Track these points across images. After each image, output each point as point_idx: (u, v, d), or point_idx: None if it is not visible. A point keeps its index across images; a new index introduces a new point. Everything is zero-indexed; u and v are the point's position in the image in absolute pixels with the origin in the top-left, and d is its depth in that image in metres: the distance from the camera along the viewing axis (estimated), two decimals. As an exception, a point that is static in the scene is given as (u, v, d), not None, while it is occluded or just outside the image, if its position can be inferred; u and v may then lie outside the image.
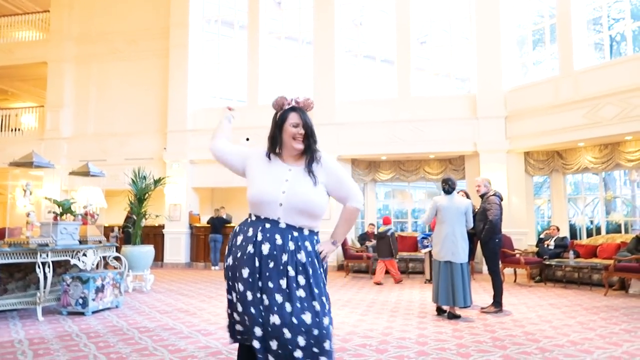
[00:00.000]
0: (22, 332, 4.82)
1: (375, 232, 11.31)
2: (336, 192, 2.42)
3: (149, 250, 8.22)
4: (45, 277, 5.50)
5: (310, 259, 2.28)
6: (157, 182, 8.70)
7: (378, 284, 8.74)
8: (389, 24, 12.37)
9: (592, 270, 8.20)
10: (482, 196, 6.25)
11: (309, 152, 2.39)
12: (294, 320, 2.15)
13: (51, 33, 13.75)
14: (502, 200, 6.20)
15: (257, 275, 2.23)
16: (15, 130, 14.02)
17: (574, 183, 13.12)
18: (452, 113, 11.12)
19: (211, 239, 11.52)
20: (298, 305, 2.18)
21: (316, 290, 2.23)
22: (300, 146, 2.37)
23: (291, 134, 2.37)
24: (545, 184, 14.83)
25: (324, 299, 2.25)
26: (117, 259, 6.88)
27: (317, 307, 2.19)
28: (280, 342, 2.14)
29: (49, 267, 5.54)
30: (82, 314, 5.69)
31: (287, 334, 2.14)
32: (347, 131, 11.49)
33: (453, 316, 5.39)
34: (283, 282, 2.21)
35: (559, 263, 8.61)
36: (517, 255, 8.81)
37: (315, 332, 2.15)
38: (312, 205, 2.32)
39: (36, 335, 4.67)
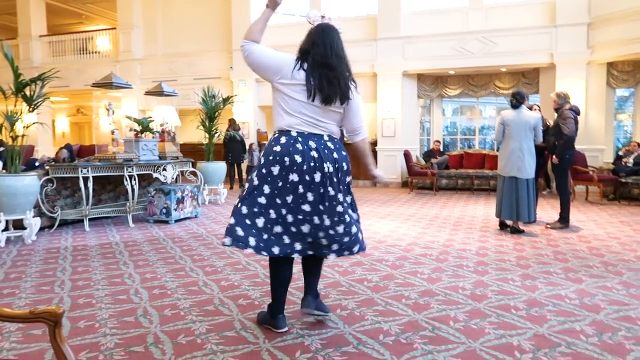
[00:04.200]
0: (117, 236, 5.45)
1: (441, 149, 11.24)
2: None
3: (221, 166, 8.72)
4: (133, 189, 6.08)
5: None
6: (225, 100, 9.00)
7: None
8: None
9: (673, 189, 7.77)
10: (556, 110, 5.97)
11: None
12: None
13: (117, -48, 13.86)
14: (578, 114, 5.91)
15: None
16: (93, 52, 14.72)
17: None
18: (528, 21, 10.35)
19: (278, 155, 11.90)
20: None
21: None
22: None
23: None
24: (631, 98, 13.72)
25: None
26: (193, 173, 7.39)
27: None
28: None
29: (134, 179, 6.09)
30: (166, 222, 6.29)
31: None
32: (413, 45, 11.07)
33: (516, 231, 5.42)
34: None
35: (636, 180, 8.21)
36: (590, 173, 8.47)
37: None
38: None
39: (129, 238, 5.28)
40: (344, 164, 2.49)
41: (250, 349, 2.38)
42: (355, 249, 2.57)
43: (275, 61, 2.46)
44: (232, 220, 2.43)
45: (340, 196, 2.47)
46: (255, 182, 2.45)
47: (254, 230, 2.40)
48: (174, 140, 7.51)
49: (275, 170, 2.40)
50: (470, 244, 4.88)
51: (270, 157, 2.42)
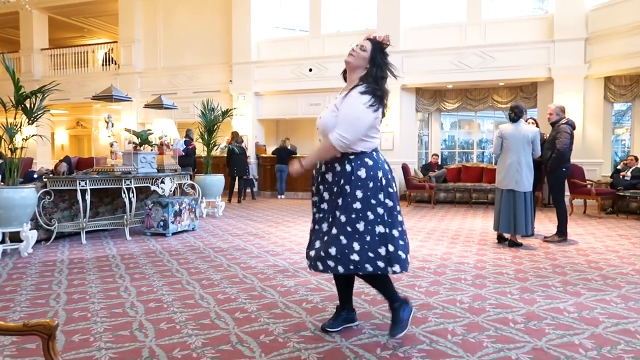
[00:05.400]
0: (114, 249, 5.43)
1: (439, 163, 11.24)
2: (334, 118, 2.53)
3: (219, 178, 8.72)
4: (130, 202, 6.06)
5: (336, 178, 2.54)
6: (224, 113, 9.04)
7: None
8: (459, -60, 11.48)
9: (671, 202, 7.78)
10: (553, 124, 6.00)
11: (366, 78, 2.56)
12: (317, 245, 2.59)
13: (119, -33, 14.03)
14: (574, 129, 5.94)
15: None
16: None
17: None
18: (526, 36, 10.46)
19: (277, 169, 11.92)
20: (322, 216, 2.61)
21: (337, 213, 2.51)
22: (347, 58, 2.57)
23: None
24: (628, 112, 13.82)
25: (340, 215, 2.50)
26: (191, 186, 7.39)
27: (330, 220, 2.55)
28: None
29: (132, 192, 6.09)
30: (164, 235, 6.27)
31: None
32: (412, 59, 11.15)
33: (514, 244, 5.41)
34: (315, 198, 2.66)
35: (634, 194, 8.22)
36: (588, 186, 8.49)
37: (332, 251, 2.48)
38: (325, 128, 2.53)
39: (126, 251, 5.26)
40: None
41: (245, 363, 2.36)
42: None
43: None
44: (400, 251, 2.51)
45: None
46: (391, 204, 2.53)
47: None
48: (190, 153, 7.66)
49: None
50: (468, 257, 4.86)
51: (389, 176, 2.58)
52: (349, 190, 2.46)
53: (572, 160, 6.23)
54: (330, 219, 2.52)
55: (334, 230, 2.47)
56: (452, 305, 3.26)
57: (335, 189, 2.52)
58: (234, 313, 3.10)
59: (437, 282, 3.88)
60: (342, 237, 2.45)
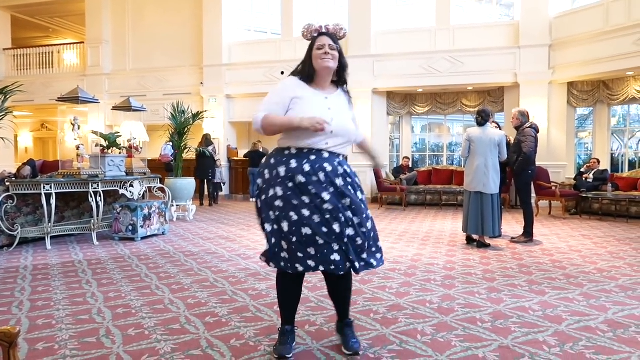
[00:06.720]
0: (81, 254, 5.30)
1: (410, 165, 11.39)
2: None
3: (190, 182, 8.61)
4: (98, 206, 5.93)
5: (350, 179, 2.45)
6: (195, 116, 8.93)
7: None
8: (428, -53, 11.69)
9: (630, 203, 8.08)
10: (517, 128, 6.16)
11: (340, 78, 2.53)
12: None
13: (86, -33, 13.73)
14: (538, 132, 6.11)
15: (310, 199, 2.32)
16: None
17: (622, 115, 12.61)
18: (493, 42, 10.72)
19: (250, 172, 11.83)
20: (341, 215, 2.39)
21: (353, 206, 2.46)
22: (328, 64, 2.40)
23: (316, 56, 2.42)
24: (590, 117, 14.29)
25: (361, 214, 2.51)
26: (161, 189, 7.27)
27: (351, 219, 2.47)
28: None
29: (100, 196, 5.95)
30: (132, 239, 6.15)
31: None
32: (383, 63, 11.28)
33: (482, 245, 5.53)
34: (326, 195, 2.33)
35: (596, 196, 8.51)
36: (553, 188, 8.74)
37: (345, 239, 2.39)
38: (352, 132, 2.51)
39: (93, 257, 5.14)
40: None
41: (216, 368, 2.34)
42: None
43: None
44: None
45: None
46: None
47: None
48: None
49: None
50: (438, 259, 4.94)
51: None
52: (352, 190, 2.43)
53: (538, 163, 6.41)
54: (343, 219, 2.39)
55: (365, 227, 2.52)
56: (422, 305, 3.31)
57: (332, 189, 2.35)
58: (205, 317, 3.07)
59: (407, 283, 3.93)
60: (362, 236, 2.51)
